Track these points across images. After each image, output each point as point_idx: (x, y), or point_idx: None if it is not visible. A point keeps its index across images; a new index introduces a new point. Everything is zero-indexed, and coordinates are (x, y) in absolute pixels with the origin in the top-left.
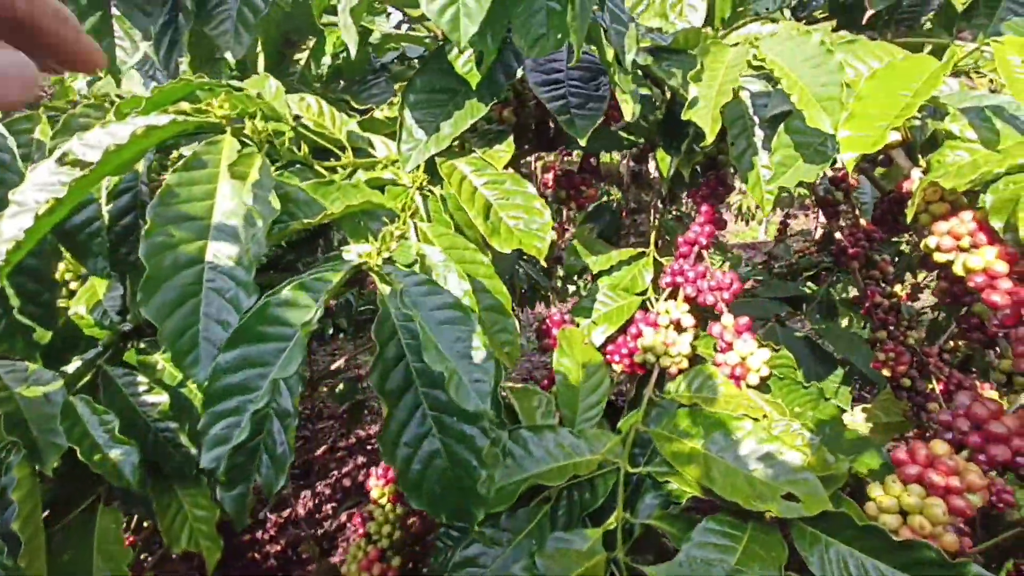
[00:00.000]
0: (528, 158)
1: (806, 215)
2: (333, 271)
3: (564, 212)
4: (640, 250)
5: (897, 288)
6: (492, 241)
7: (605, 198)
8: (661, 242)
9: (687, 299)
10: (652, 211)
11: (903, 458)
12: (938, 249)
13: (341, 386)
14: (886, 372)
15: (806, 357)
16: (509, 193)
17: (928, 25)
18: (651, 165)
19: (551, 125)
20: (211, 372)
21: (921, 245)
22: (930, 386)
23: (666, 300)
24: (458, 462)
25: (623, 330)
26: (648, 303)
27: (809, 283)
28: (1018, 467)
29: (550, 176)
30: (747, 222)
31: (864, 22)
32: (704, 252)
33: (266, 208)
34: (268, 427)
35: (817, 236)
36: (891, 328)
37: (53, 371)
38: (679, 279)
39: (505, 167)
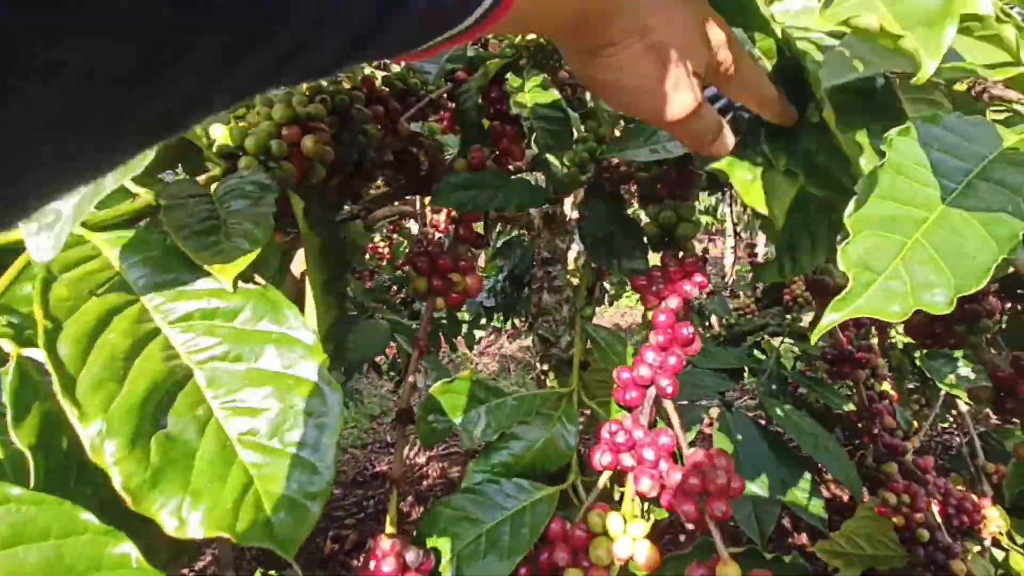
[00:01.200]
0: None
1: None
2: None
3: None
4: (559, 392)
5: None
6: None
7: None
8: (589, 359)
9: (641, 495)
10: (568, 306)
11: None
12: None
13: None
14: (896, 520)
15: (764, 456)
16: (241, 367)
17: None
18: (567, 206)
19: (421, 158)
20: None
21: None
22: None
23: (611, 504)
24: None
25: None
26: (571, 495)
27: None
28: None
29: (441, 217)
30: None
31: None
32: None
33: None
34: None
35: (754, 284)
36: (902, 461)
37: None
38: (625, 457)
39: (242, 279)
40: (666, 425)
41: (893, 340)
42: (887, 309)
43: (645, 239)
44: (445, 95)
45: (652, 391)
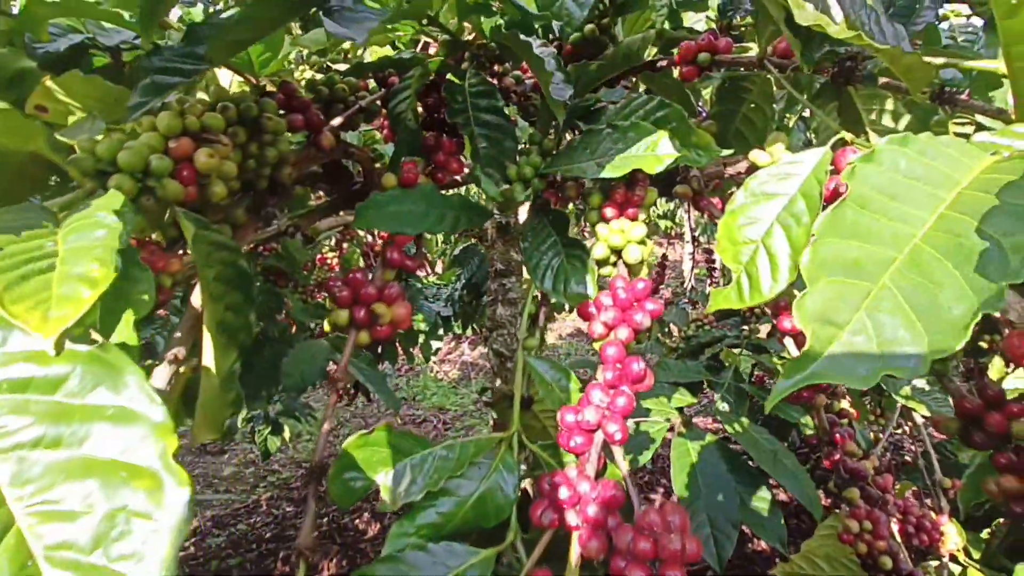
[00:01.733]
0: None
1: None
2: None
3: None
4: (496, 437)
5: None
6: None
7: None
8: (529, 395)
9: (586, 557)
10: (509, 335)
11: None
12: None
13: None
14: (860, 548)
15: (723, 475)
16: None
17: None
18: (522, 216)
19: (354, 170)
20: None
21: None
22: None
23: None
24: None
25: None
26: (511, 556)
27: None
28: None
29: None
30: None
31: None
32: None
33: None
34: None
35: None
36: (865, 486)
37: None
38: (570, 515)
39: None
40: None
41: None
42: (852, 373)
43: (593, 261)
44: (379, 102)
45: (599, 436)
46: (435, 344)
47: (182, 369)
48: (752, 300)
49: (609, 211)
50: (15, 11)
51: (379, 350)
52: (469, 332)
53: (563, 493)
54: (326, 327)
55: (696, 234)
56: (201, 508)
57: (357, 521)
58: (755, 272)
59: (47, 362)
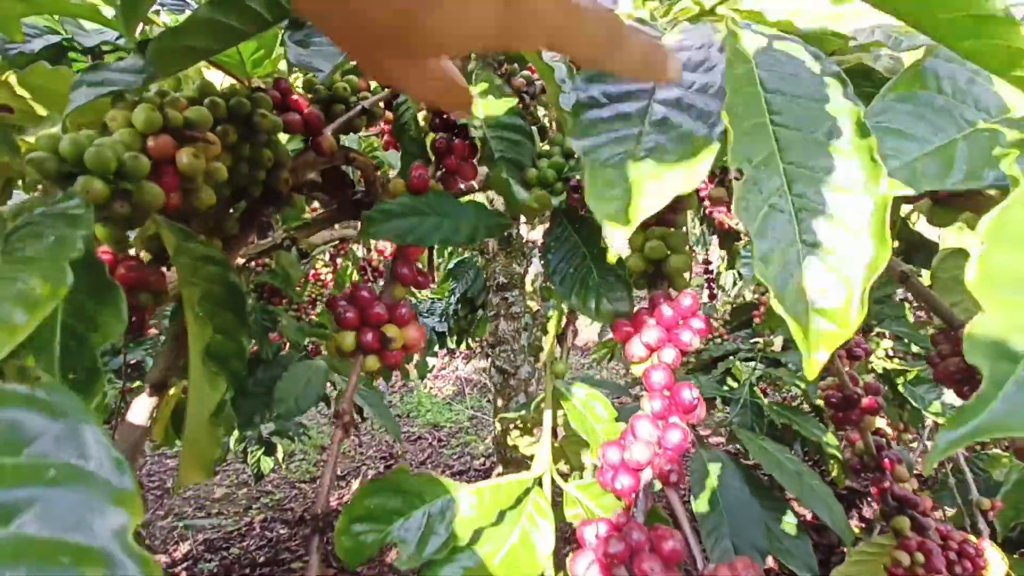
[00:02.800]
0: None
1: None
2: None
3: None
4: (520, 478)
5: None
6: None
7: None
8: (563, 437)
9: None
10: (527, 334)
11: None
12: None
13: None
14: None
15: (746, 501)
16: None
17: None
18: (523, 227)
19: (354, 178)
20: None
21: None
22: None
23: None
24: None
25: None
26: None
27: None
28: None
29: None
30: None
31: None
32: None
33: None
34: None
35: (720, 308)
36: (916, 515)
37: None
38: (620, 572)
39: None
40: (671, 520)
41: (871, 365)
42: None
43: (627, 274)
44: (382, 104)
45: (648, 475)
46: (430, 360)
47: (171, 392)
48: None
49: None
50: None
51: None
52: (464, 347)
53: (613, 546)
54: (324, 350)
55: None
56: (192, 532)
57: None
58: None
59: None
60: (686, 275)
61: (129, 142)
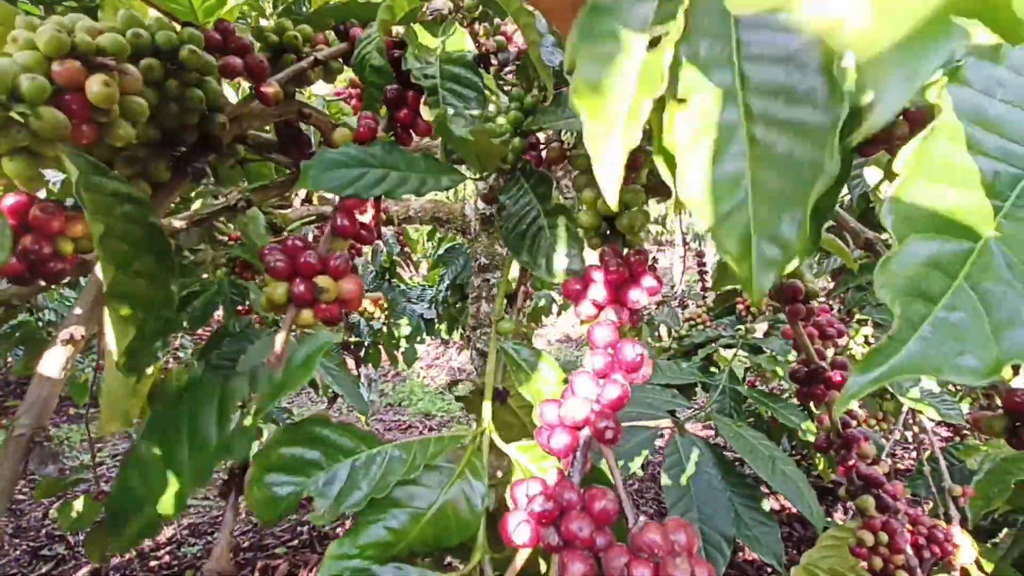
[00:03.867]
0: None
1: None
2: None
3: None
4: (463, 434)
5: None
6: None
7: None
8: (504, 387)
9: None
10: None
11: None
12: None
13: None
14: (875, 562)
15: (717, 487)
16: None
17: None
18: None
19: (311, 136)
20: None
21: None
22: None
23: None
24: None
25: None
26: None
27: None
28: None
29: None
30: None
31: None
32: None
33: None
34: None
35: (702, 293)
36: (880, 494)
37: None
38: (549, 533)
39: None
40: (609, 475)
41: (850, 352)
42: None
43: (580, 232)
44: (341, 59)
45: (586, 433)
46: (420, 349)
47: (149, 370)
48: None
49: None
50: None
51: (362, 354)
52: (456, 337)
53: (541, 504)
54: (260, 305)
55: (687, 238)
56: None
57: (340, 529)
58: None
59: None
60: (642, 234)
61: (30, 64)
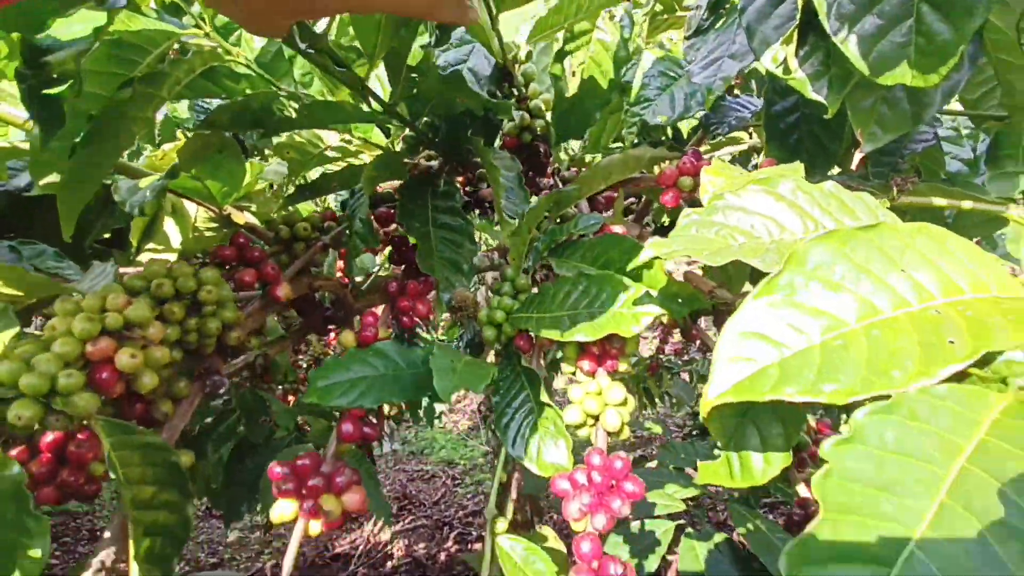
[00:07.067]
0: None
1: None
2: None
3: None
4: None
5: None
6: None
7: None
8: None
9: None
10: None
11: None
12: None
13: None
14: None
15: None
16: None
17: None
18: None
19: (324, 300)
20: None
21: None
22: None
23: None
24: None
25: None
26: None
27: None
28: None
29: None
30: None
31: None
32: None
33: None
34: None
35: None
36: None
37: None
38: None
39: None
40: None
41: None
42: None
43: (565, 427)
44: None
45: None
46: (438, 407)
47: None
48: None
49: (586, 364)
50: None
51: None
52: None
53: None
54: (274, 518)
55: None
56: None
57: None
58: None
59: None
60: (623, 429)
61: (68, 353)
